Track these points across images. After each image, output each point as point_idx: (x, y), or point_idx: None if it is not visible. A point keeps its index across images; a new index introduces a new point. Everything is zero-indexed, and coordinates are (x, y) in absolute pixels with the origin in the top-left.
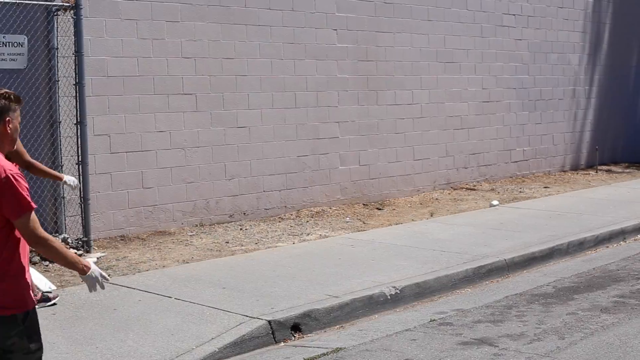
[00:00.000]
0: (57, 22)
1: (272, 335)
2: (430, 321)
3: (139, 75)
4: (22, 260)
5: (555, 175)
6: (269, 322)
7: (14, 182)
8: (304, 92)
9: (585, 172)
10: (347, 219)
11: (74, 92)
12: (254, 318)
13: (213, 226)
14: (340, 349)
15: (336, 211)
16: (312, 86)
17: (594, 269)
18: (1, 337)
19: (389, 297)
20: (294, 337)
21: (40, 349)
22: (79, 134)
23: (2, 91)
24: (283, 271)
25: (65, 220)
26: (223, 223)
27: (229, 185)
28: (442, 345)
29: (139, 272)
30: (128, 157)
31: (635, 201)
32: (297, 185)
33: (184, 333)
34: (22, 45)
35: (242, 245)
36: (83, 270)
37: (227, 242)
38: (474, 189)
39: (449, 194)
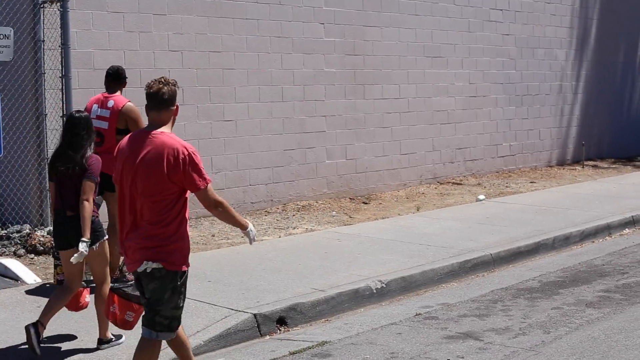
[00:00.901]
0: (43, 14)
1: (257, 329)
2: (416, 315)
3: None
4: (187, 225)
5: (541, 170)
6: (255, 315)
7: (195, 158)
8: (291, 86)
9: (572, 167)
10: (334, 213)
11: (60, 84)
12: (240, 311)
13: (199, 219)
14: (326, 342)
15: (322, 205)
16: (299, 80)
17: (579, 263)
18: (159, 288)
19: (374, 291)
20: (280, 330)
21: (182, 308)
22: None
23: None
24: (269, 265)
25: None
26: (209, 216)
27: (215, 179)
28: (427, 339)
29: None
30: None
31: (621, 196)
32: (284, 179)
33: None
34: (8, 38)
35: (228, 239)
36: (245, 227)
37: (213, 236)
38: (461, 184)
39: (436, 188)
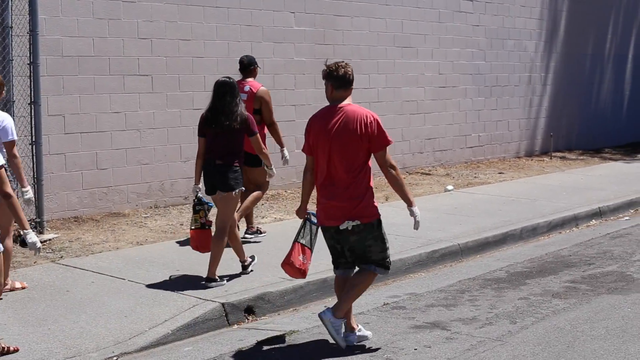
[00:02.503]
0: (11, 0)
1: (225, 318)
2: (384, 305)
3: (94, 56)
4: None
5: (510, 161)
6: (223, 304)
7: (380, 122)
8: (261, 75)
9: (540, 159)
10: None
11: (28, 71)
12: (208, 300)
13: (168, 208)
14: (294, 331)
15: (291, 194)
16: (269, 69)
17: (546, 254)
18: (364, 239)
19: None
20: (248, 319)
21: (388, 247)
22: (32, 114)
23: None
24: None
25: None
26: (178, 205)
27: (184, 168)
28: (395, 329)
29: (92, 253)
30: (82, 137)
31: (589, 188)
32: None
33: (137, 315)
34: None
35: None
36: (412, 204)
37: (182, 225)
38: (429, 174)
39: (404, 178)
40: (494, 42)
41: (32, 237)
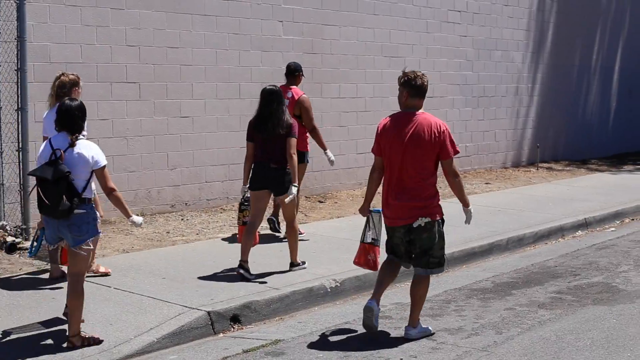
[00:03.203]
0: None
1: (211, 326)
2: None
3: (82, 62)
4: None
5: (496, 172)
6: (209, 313)
7: (449, 132)
8: (249, 83)
9: (527, 169)
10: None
11: (15, 77)
12: (194, 309)
13: (154, 216)
14: (279, 340)
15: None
16: (256, 77)
17: (532, 265)
18: (430, 236)
19: (329, 289)
20: (234, 328)
21: (444, 247)
22: (19, 120)
23: None
24: (223, 262)
25: (4, 207)
26: (164, 213)
27: (171, 175)
28: (381, 338)
29: None
30: None
31: (575, 199)
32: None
33: (122, 323)
34: None
35: (183, 236)
36: (467, 204)
37: (168, 232)
38: None
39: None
40: (482, 53)
41: (137, 218)
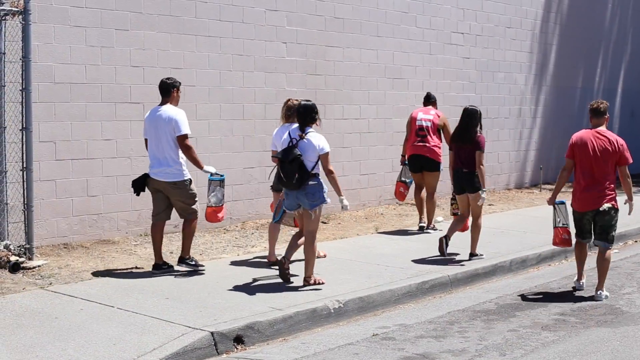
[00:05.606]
0: (4, 27)
1: (214, 347)
2: (373, 335)
3: (86, 83)
4: None
5: (499, 193)
6: (212, 333)
7: (625, 146)
8: (252, 104)
9: (530, 191)
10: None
11: (20, 97)
12: (197, 329)
13: None
14: None
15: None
16: (260, 98)
17: (535, 286)
18: (609, 218)
19: (332, 310)
20: (237, 349)
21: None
22: (24, 140)
23: None
24: (227, 282)
25: (7, 226)
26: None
27: None
28: None
29: (81, 280)
30: (73, 164)
31: None
32: (243, 197)
33: (125, 343)
34: None
35: None
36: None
37: (172, 253)
38: None
39: (394, 209)
40: (484, 75)
41: (345, 201)
